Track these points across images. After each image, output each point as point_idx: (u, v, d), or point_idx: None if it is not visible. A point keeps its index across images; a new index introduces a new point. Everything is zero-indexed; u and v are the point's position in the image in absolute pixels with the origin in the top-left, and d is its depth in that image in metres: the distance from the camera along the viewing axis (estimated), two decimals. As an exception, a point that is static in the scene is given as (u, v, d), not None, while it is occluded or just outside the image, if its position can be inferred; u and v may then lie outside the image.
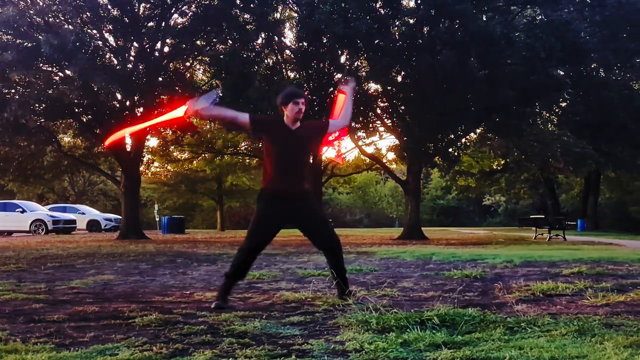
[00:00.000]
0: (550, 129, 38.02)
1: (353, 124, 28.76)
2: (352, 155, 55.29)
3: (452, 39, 25.49)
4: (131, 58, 28.31)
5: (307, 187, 6.78)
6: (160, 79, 28.07)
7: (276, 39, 30.23)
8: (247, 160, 47.15)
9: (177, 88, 28.02)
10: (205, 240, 25.31)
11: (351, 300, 6.48)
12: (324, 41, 26.79)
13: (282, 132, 6.59)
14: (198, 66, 32.93)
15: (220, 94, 6.30)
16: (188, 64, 31.29)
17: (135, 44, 28.36)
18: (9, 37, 25.63)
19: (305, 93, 28.12)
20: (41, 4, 26.74)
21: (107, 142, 11.13)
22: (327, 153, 7.33)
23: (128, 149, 29.72)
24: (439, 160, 31.09)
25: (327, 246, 6.77)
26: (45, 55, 24.08)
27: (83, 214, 41.93)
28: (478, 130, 34.90)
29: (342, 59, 29.27)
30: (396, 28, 27.36)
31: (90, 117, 29.09)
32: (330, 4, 24.85)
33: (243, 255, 6.61)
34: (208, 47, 29.41)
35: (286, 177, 6.52)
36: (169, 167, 53.00)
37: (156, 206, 50.89)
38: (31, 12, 26.21)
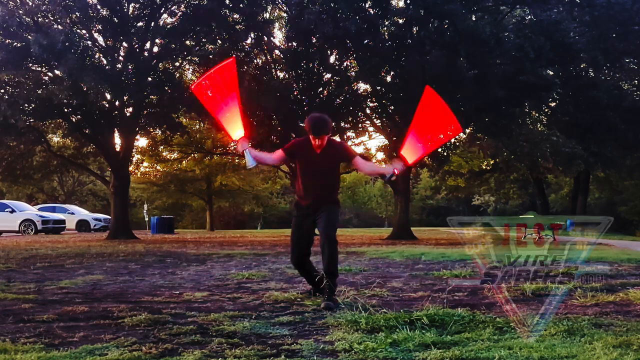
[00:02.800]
0: (539, 129, 38.04)
1: (342, 124, 28.78)
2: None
3: (442, 39, 25.51)
4: (120, 58, 28.21)
5: (331, 199, 7.20)
6: (149, 79, 27.91)
7: (265, 39, 30.15)
8: (237, 160, 46.91)
9: (166, 88, 27.93)
10: (194, 241, 25.26)
11: (323, 304, 6.46)
12: (314, 41, 26.78)
13: (308, 154, 7.11)
14: (187, 66, 32.78)
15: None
16: (177, 64, 31.14)
17: (124, 44, 28.24)
18: (-2, 37, 25.53)
19: (295, 93, 28.20)
20: (30, 3, 26.61)
21: None
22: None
23: (117, 149, 29.67)
24: (428, 160, 31.07)
25: (322, 234, 6.92)
26: (34, 55, 23.98)
27: (72, 214, 41.74)
28: (467, 130, 34.92)
29: (332, 59, 29.27)
30: (385, 28, 27.36)
31: (79, 117, 28.95)
32: (320, 4, 24.84)
33: (295, 267, 7.48)
34: (197, 47, 29.30)
35: (311, 193, 7.07)
36: (158, 167, 52.78)
37: (145, 206, 50.89)
38: (20, 12, 26.10)
